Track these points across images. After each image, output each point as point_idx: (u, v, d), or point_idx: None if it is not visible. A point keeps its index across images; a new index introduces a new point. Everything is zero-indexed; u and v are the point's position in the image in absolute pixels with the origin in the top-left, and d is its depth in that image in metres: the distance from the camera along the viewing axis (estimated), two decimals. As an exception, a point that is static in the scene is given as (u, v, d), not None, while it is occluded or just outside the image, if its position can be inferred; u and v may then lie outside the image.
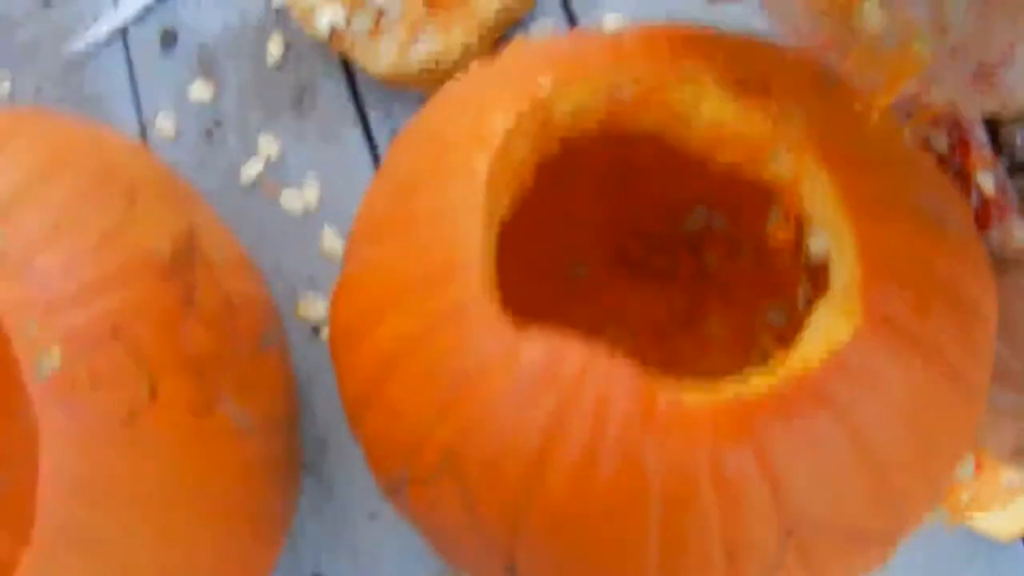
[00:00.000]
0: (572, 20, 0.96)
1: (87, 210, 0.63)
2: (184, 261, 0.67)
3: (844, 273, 0.54)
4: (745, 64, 0.60)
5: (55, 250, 0.61)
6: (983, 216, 0.60)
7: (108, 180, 0.66)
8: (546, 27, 0.95)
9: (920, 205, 0.55)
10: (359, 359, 0.58)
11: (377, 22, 0.88)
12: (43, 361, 0.59)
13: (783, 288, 0.72)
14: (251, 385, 0.70)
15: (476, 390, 0.51)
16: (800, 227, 0.59)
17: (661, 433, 0.49)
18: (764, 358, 0.55)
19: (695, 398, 0.51)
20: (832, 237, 0.56)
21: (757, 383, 0.52)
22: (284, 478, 0.75)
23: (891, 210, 0.55)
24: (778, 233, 0.60)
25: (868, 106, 0.51)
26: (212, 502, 0.66)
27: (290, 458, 0.76)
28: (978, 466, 0.78)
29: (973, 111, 0.57)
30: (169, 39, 1.03)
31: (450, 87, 0.66)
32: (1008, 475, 0.78)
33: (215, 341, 0.67)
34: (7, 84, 1.10)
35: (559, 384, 0.50)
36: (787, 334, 0.60)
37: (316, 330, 0.95)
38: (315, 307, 0.94)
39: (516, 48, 0.65)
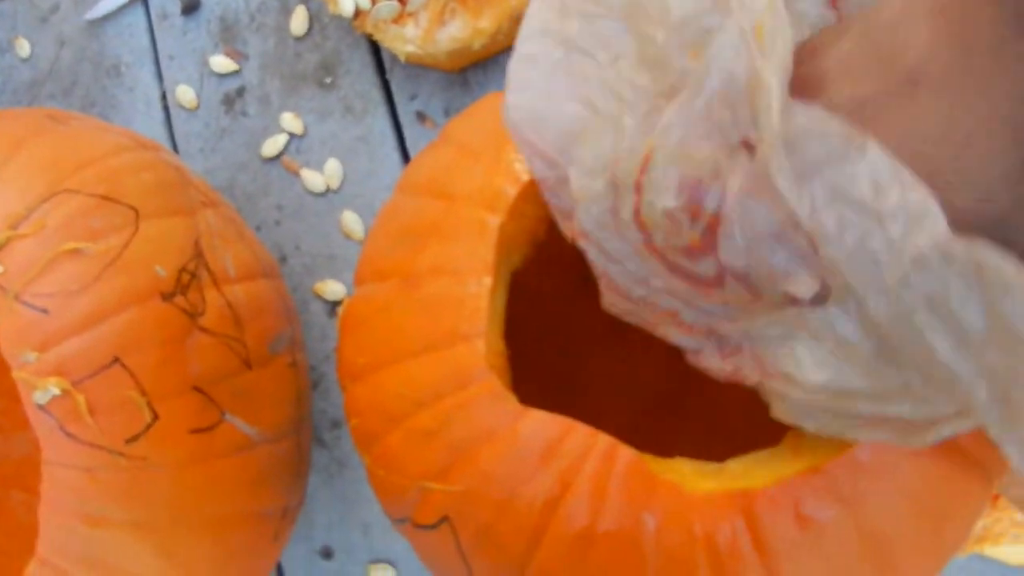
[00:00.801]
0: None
1: (87, 235, 0.61)
2: (189, 280, 0.65)
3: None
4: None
5: (53, 278, 0.60)
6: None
7: (111, 201, 0.63)
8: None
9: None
10: (362, 398, 0.58)
11: (403, 5, 0.85)
12: (42, 389, 0.58)
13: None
14: (258, 395, 0.68)
15: (476, 458, 0.51)
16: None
17: (661, 516, 0.48)
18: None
19: (696, 483, 0.50)
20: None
21: (762, 473, 0.50)
22: (292, 478, 0.74)
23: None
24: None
25: None
26: (215, 515, 0.65)
27: (299, 457, 0.75)
28: (994, 498, 0.77)
29: None
30: (191, 6, 0.99)
31: (456, 128, 0.63)
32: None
33: (220, 357, 0.65)
34: (27, 46, 1.06)
35: (559, 462, 0.49)
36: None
37: (334, 309, 0.93)
38: (333, 287, 0.92)
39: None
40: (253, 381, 0.68)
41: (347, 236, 0.92)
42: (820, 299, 0.42)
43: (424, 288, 0.55)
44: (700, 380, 0.76)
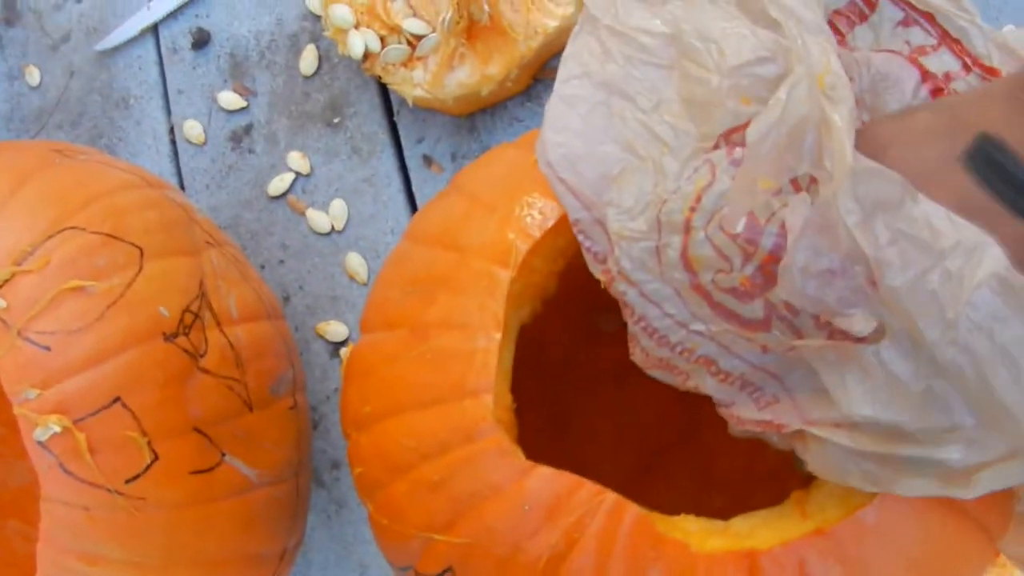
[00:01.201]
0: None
1: (91, 274, 0.60)
2: (192, 320, 0.64)
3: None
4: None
5: (56, 316, 0.59)
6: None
7: (116, 239, 0.62)
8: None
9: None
10: (367, 446, 0.57)
11: (413, 49, 0.84)
12: (42, 426, 0.57)
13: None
14: (259, 436, 0.67)
15: (482, 512, 0.50)
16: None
17: (667, 572, 0.48)
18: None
19: (702, 542, 0.49)
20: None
21: (767, 534, 0.49)
22: (290, 520, 0.72)
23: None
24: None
25: None
26: (212, 556, 0.64)
27: (298, 499, 0.74)
28: (995, 553, 0.76)
29: None
30: (202, 40, 0.99)
31: (468, 178, 0.62)
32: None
33: (222, 399, 0.64)
34: (37, 74, 1.05)
35: (567, 518, 0.48)
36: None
37: (336, 350, 0.92)
38: (336, 328, 0.91)
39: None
40: (254, 423, 0.67)
41: (351, 277, 0.92)
42: (875, 337, 0.42)
43: (433, 340, 0.54)
44: (696, 431, 0.76)
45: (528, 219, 0.55)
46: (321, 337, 0.92)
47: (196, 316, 0.64)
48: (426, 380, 0.53)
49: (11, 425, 0.83)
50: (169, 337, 0.62)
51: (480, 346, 0.52)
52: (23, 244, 0.60)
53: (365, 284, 0.91)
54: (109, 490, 0.58)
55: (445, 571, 0.52)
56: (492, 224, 0.56)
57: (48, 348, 0.58)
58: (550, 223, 0.54)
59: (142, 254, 0.63)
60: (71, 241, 0.61)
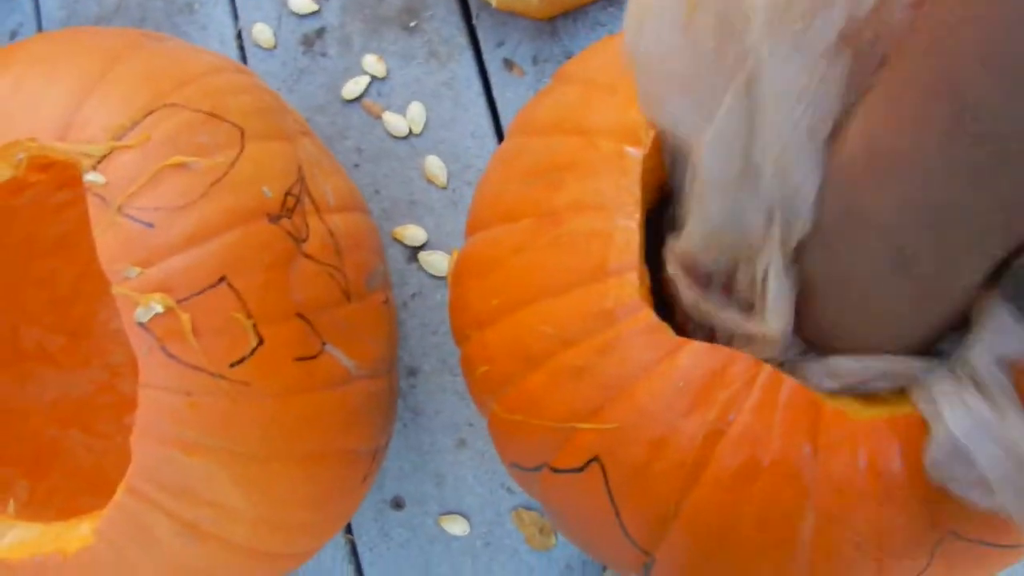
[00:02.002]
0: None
1: (194, 151, 0.56)
2: (294, 204, 0.61)
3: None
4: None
5: (159, 194, 0.55)
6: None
7: (217, 118, 0.59)
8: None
9: None
10: (494, 342, 0.53)
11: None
12: (144, 306, 0.54)
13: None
14: (357, 328, 0.64)
15: (631, 394, 0.47)
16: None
17: (825, 445, 0.45)
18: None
19: (858, 413, 0.46)
20: None
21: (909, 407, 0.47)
22: (383, 418, 0.69)
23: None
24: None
25: None
26: (312, 449, 0.61)
27: (390, 398, 0.71)
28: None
29: None
30: (272, -59, 0.95)
31: (578, 68, 0.59)
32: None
33: (323, 287, 0.61)
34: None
35: (723, 393, 0.46)
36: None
37: (414, 255, 0.88)
38: (414, 232, 0.88)
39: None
40: (352, 314, 0.64)
41: (429, 181, 0.88)
42: None
43: (566, 224, 0.51)
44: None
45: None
46: (398, 242, 0.88)
47: (297, 200, 0.61)
48: (563, 264, 0.50)
49: (73, 333, 0.81)
50: (273, 218, 0.58)
51: (620, 225, 0.49)
52: (121, 120, 0.56)
53: (445, 188, 0.88)
54: (212, 374, 0.55)
55: (589, 462, 0.49)
56: (616, 104, 0.52)
57: (151, 225, 0.54)
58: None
59: (243, 134, 0.60)
60: (171, 118, 0.57)
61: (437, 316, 0.87)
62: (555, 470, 0.51)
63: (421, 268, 0.88)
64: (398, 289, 0.88)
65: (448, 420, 0.87)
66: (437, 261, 0.87)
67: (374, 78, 0.90)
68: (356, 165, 0.89)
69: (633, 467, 0.47)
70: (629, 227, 0.49)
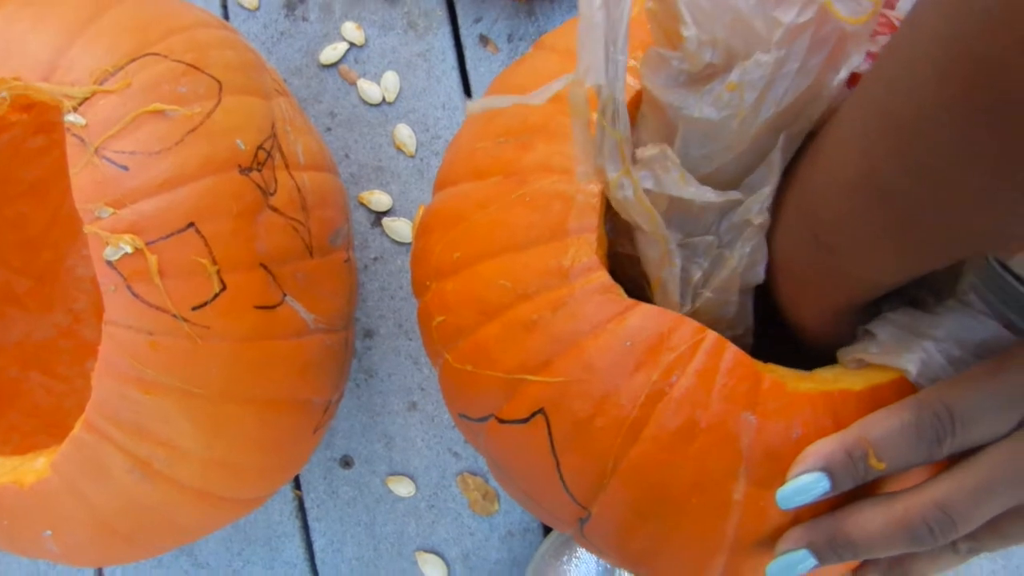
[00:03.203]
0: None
1: (173, 100, 0.58)
2: (265, 158, 0.62)
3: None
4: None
5: (136, 139, 0.56)
6: None
7: (197, 70, 0.60)
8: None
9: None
10: (453, 293, 0.55)
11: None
12: (113, 246, 0.55)
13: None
14: (318, 283, 0.66)
15: (580, 351, 0.48)
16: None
17: (762, 413, 0.47)
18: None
19: (797, 384, 0.48)
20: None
21: (853, 379, 0.48)
22: (337, 373, 0.71)
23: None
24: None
25: None
26: (266, 396, 0.62)
27: (345, 354, 0.72)
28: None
29: None
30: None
31: (556, 39, 0.60)
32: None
33: (287, 240, 0.62)
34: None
35: (667, 355, 0.47)
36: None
37: (378, 220, 0.90)
38: (379, 198, 0.89)
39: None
40: (313, 269, 0.65)
41: (398, 149, 0.89)
42: None
43: (531, 184, 0.52)
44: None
45: (627, 73, 0.53)
46: (364, 206, 0.89)
47: (268, 154, 0.62)
48: (525, 221, 0.51)
49: (40, 278, 0.82)
50: (244, 170, 0.60)
51: (583, 188, 0.50)
52: (104, 65, 0.58)
53: (412, 156, 0.89)
54: (175, 316, 0.56)
55: (535, 414, 0.50)
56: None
57: (126, 168, 0.56)
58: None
59: (221, 88, 0.61)
60: (153, 66, 0.59)
61: (396, 281, 0.89)
62: (501, 421, 0.52)
63: (384, 233, 0.89)
64: (360, 252, 0.89)
65: (401, 383, 0.88)
66: (400, 227, 0.88)
67: (352, 45, 0.92)
68: (328, 129, 0.91)
69: (576, 421, 0.49)
70: (591, 191, 0.50)
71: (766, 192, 0.49)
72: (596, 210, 0.50)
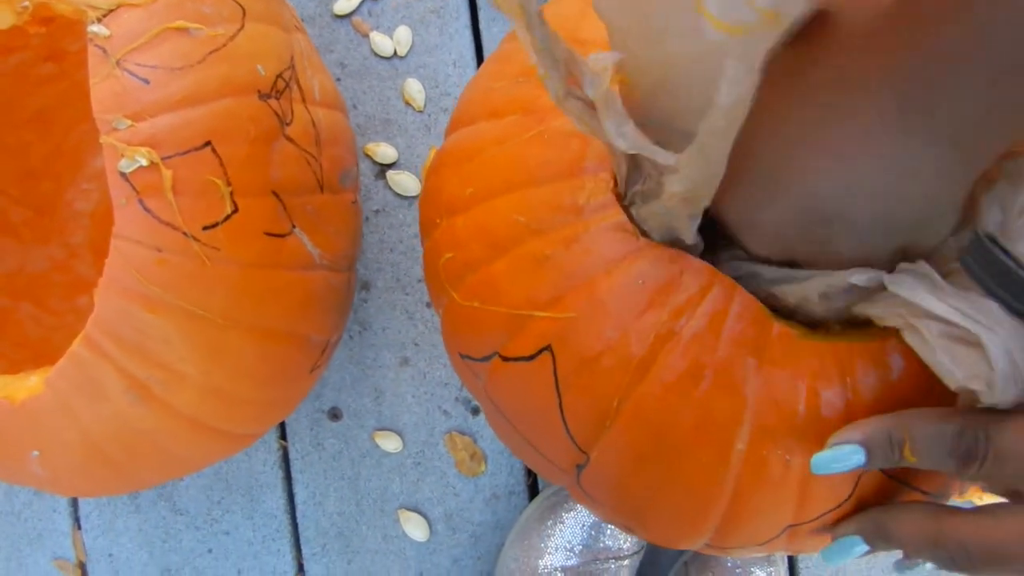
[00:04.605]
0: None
1: (197, 19, 0.58)
2: (284, 87, 0.63)
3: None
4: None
5: (159, 54, 0.57)
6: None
7: (222, -8, 0.61)
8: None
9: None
10: (463, 228, 0.55)
11: None
12: (129, 158, 0.56)
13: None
14: (326, 219, 0.66)
15: (591, 287, 0.49)
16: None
17: (768, 360, 0.47)
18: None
19: (803, 334, 0.48)
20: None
21: (860, 334, 0.49)
22: (339, 313, 0.72)
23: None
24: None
25: None
26: (268, 326, 0.63)
27: (347, 295, 0.73)
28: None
29: None
30: None
31: None
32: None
33: (300, 171, 0.63)
34: None
35: (679, 296, 0.48)
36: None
37: (382, 172, 0.91)
38: (385, 150, 0.90)
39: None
40: (323, 205, 0.66)
41: (407, 103, 0.90)
42: None
43: (549, 123, 0.53)
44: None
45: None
46: (369, 157, 0.90)
47: (287, 84, 0.63)
48: (541, 157, 0.52)
49: (38, 209, 0.82)
50: (263, 96, 0.61)
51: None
52: (130, -23, 0.58)
53: (421, 111, 0.90)
54: (185, 234, 0.57)
55: (541, 351, 0.51)
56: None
57: (147, 81, 0.56)
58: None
59: (244, 13, 0.62)
60: (178, -16, 0.60)
61: (396, 235, 0.90)
62: (505, 359, 0.53)
63: (388, 186, 0.90)
64: (363, 203, 0.90)
65: (394, 338, 0.89)
66: (404, 181, 0.89)
67: (367, -3, 0.93)
68: (338, 79, 0.91)
69: (583, 359, 0.49)
70: (609, 133, 0.51)
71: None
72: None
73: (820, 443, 0.48)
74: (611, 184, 0.50)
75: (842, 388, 0.48)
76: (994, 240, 0.44)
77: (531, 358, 0.51)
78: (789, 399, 0.47)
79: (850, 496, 0.50)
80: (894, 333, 0.47)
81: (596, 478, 0.53)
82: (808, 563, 0.90)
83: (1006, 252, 0.43)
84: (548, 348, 0.50)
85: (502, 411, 0.57)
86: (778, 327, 0.48)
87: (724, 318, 0.48)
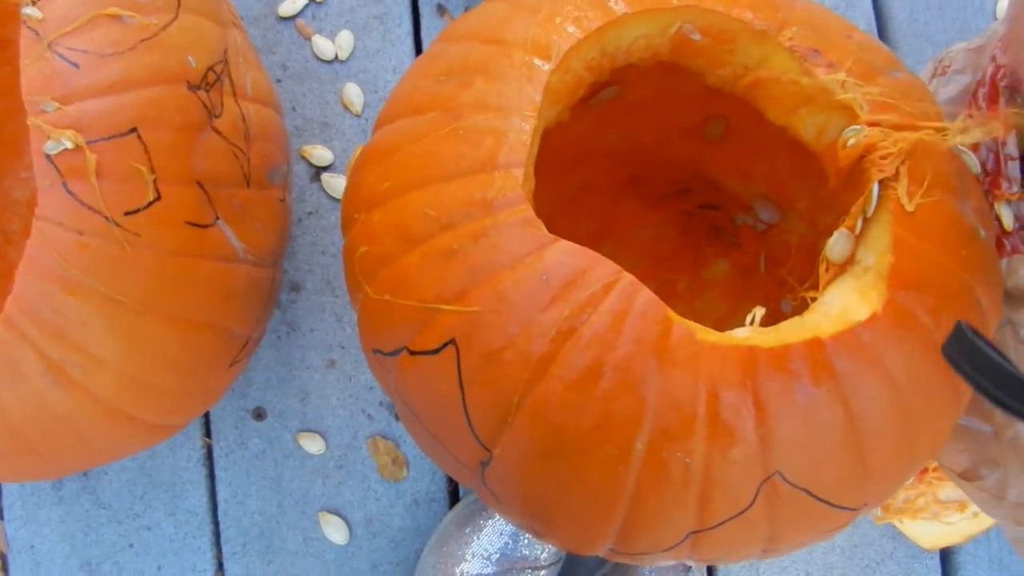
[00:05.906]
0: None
1: (131, 6, 0.60)
2: (214, 80, 0.64)
3: (874, 256, 0.53)
4: (820, 37, 0.58)
5: (90, 39, 0.58)
6: (996, 247, 0.59)
7: (157, -18, 0.63)
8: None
9: (962, 209, 0.55)
10: (379, 223, 0.57)
11: None
12: (54, 140, 0.57)
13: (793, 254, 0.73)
14: (252, 214, 0.68)
15: (497, 282, 0.50)
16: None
17: (669, 361, 0.49)
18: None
19: (707, 336, 0.50)
20: (874, 219, 0.55)
21: (765, 337, 0.51)
22: (261, 308, 0.73)
23: (936, 205, 0.54)
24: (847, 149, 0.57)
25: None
26: (187, 315, 0.64)
27: (271, 292, 0.74)
28: (921, 472, 0.79)
29: None
30: None
31: None
32: (946, 490, 0.79)
33: (226, 164, 0.64)
34: None
35: (581, 293, 0.49)
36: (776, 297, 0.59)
37: (317, 175, 0.92)
38: (321, 153, 0.92)
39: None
40: (249, 200, 0.67)
41: (345, 107, 0.92)
42: None
43: (466, 119, 0.54)
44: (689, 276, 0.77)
45: (570, 24, 0.56)
46: (305, 159, 0.92)
47: (218, 77, 0.65)
48: (456, 153, 0.54)
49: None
50: (192, 87, 0.62)
51: (515, 125, 0.53)
52: (65, -36, 0.60)
53: (358, 116, 0.92)
54: (107, 218, 0.58)
55: (446, 344, 0.52)
56: (535, 23, 0.56)
57: (77, 65, 0.58)
58: (595, 25, 0.56)
59: (179, 5, 0.63)
60: (113, -26, 0.61)
61: (328, 237, 0.91)
62: (412, 352, 0.54)
63: (322, 189, 0.92)
64: (296, 205, 0.91)
65: (322, 339, 0.91)
66: (338, 184, 0.91)
67: (312, 1, 0.94)
68: (279, 80, 0.93)
69: (486, 353, 0.50)
70: (523, 128, 0.53)
71: None
72: (527, 147, 0.53)
73: (720, 441, 0.49)
74: (521, 180, 0.52)
75: (743, 391, 0.49)
76: (975, 330, 0.45)
77: (436, 351, 0.52)
78: (689, 402, 0.49)
79: (751, 504, 0.51)
80: (800, 333, 0.50)
81: (499, 476, 0.54)
82: (727, 574, 0.92)
83: (987, 342, 0.44)
84: (452, 342, 0.52)
85: (411, 407, 0.58)
86: (680, 327, 0.49)
87: (626, 315, 0.49)
